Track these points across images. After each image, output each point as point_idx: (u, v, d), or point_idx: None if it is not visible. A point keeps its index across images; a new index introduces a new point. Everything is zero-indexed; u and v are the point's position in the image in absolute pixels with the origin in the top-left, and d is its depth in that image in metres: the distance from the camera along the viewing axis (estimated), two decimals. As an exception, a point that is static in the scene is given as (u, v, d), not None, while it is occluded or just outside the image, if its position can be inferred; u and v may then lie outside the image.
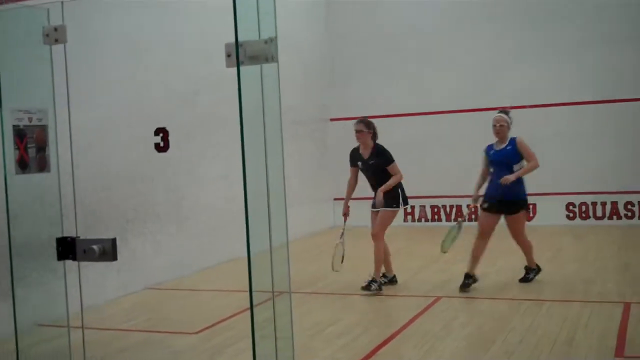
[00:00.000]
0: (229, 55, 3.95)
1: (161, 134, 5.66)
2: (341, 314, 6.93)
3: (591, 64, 11.83)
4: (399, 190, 8.12)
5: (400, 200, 8.14)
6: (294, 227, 12.18)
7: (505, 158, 7.74)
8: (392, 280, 8.20)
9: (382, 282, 7.87)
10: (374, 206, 8.19)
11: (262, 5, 4.29)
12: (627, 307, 6.60)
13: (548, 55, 12.12)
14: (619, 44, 11.60)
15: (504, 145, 7.80)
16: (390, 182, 7.99)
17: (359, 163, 8.25)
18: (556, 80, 12.05)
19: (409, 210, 13.09)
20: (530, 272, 7.99)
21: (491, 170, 7.88)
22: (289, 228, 10.44)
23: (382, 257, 7.95)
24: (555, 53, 12.07)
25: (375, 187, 8.14)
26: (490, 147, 7.95)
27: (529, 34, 12.24)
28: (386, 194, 7.94)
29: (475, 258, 7.80)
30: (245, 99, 4.00)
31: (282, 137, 4.28)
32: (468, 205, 8.68)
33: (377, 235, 8.04)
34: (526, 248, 7.98)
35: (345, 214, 8.55)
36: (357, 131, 8.15)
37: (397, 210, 8.15)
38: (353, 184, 8.52)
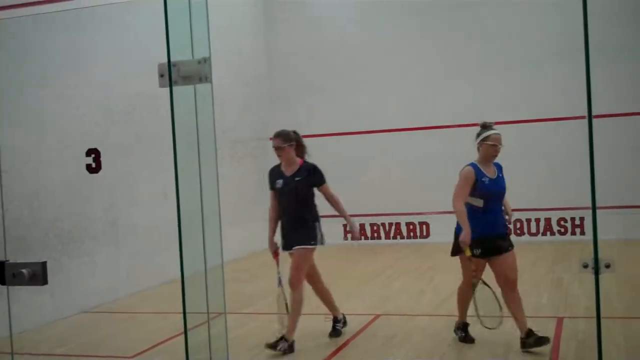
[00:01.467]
0: (162, 76, 3.92)
1: (93, 155, 5.59)
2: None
3: (526, 81, 12.12)
4: (317, 224, 6.91)
5: (319, 236, 6.86)
6: (234, 247, 12.21)
7: (503, 189, 6.23)
8: (344, 322, 6.93)
9: (340, 326, 6.79)
10: (287, 246, 6.79)
11: (196, 25, 4.27)
12: (560, 321, 6.76)
13: (482, 73, 12.37)
14: (549, 62, 11.92)
15: (497, 173, 6.24)
16: (343, 210, 7.10)
17: (279, 182, 6.88)
18: (491, 98, 12.30)
19: (348, 228, 13.13)
20: None
21: (480, 204, 6.09)
22: (229, 248, 10.39)
23: (300, 309, 6.45)
24: (489, 71, 12.33)
25: (289, 214, 6.80)
26: (480, 173, 6.10)
27: (462, 52, 12.48)
28: (301, 228, 6.69)
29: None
30: (179, 119, 3.97)
31: (217, 157, 4.26)
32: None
33: (297, 284, 6.52)
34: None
35: (276, 254, 6.97)
36: (276, 148, 6.77)
37: (315, 249, 6.83)
38: (274, 215, 7.09)
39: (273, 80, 13.61)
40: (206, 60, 3.86)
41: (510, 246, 6.06)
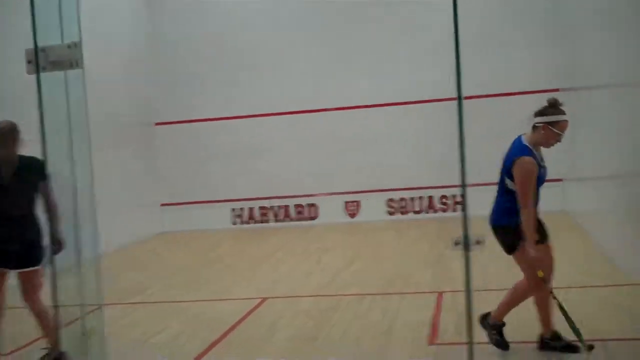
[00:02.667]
0: (29, 62, 3.75)
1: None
2: (167, 322, 6.80)
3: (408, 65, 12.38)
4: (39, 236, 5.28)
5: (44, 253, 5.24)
6: (121, 235, 11.89)
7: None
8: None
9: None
10: (11, 265, 5.31)
11: (65, 9, 4.11)
12: (439, 296, 7.00)
13: (364, 60, 12.54)
14: (415, 51, 12.20)
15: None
16: None
17: None
18: (379, 83, 12.50)
19: (237, 212, 13.13)
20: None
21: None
22: (116, 236, 10.05)
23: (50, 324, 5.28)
24: (375, 58, 12.51)
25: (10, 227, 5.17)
26: (536, 159, 4.98)
27: (348, 40, 12.60)
28: (27, 244, 5.23)
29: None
30: (48, 107, 3.81)
31: (91, 144, 4.13)
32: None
33: (35, 301, 5.37)
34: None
35: None
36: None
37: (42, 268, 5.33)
38: None
39: (158, 63, 13.30)
40: (77, 45, 3.72)
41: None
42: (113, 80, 11.92)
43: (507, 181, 5.01)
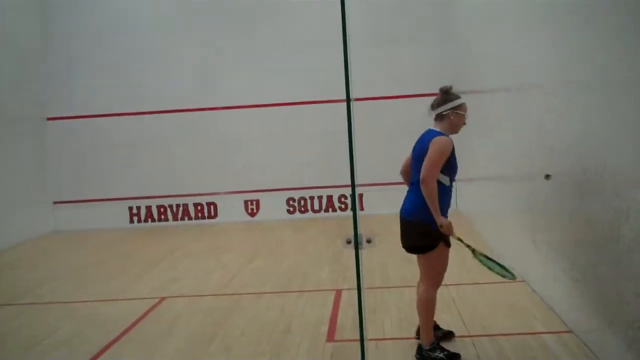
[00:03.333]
0: None
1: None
2: (59, 324, 6.59)
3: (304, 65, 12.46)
4: None
5: None
6: (11, 233, 11.48)
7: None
8: None
9: None
10: None
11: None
12: (338, 293, 7.09)
13: (257, 59, 12.54)
14: (311, 48, 12.31)
15: None
16: None
17: None
18: (264, 83, 12.52)
19: (134, 211, 12.85)
20: None
21: (447, 182, 4.99)
22: (4, 234, 9.74)
23: None
24: (268, 56, 12.53)
25: None
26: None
27: (239, 39, 12.58)
28: None
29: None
30: None
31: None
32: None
33: None
34: None
35: None
36: None
37: None
38: None
39: (51, 56, 12.84)
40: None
41: None
42: (3, 74, 11.46)
43: None
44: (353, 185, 3.48)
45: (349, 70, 3.24)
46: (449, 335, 5.45)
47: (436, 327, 5.36)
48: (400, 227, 5.10)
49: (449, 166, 4.92)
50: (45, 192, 12.81)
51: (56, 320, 6.74)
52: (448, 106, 5.03)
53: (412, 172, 5.14)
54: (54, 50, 12.84)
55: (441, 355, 5.00)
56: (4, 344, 5.90)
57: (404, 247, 5.14)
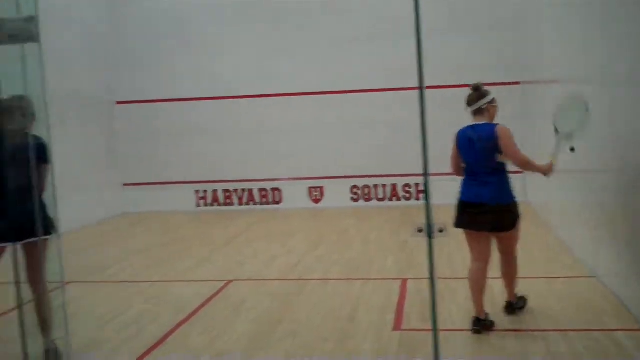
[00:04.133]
0: (-16, 34, 3.64)
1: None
2: (130, 303, 6.75)
3: (371, 55, 12.38)
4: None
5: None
6: (82, 214, 11.72)
7: None
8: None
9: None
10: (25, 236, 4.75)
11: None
12: (404, 282, 7.05)
13: (328, 44, 12.52)
14: (381, 38, 12.21)
15: None
16: None
17: None
18: (346, 69, 12.49)
19: (201, 194, 13.04)
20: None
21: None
22: (76, 215, 9.91)
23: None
24: (336, 43, 12.49)
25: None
26: None
27: (309, 23, 12.56)
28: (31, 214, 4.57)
29: None
30: (5, 81, 3.72)
31: (49, 120, 4.05)
32: None
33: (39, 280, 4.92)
34: None
35: None
36: None
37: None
38: None
39: (121, 43, 13.10)
40: (34, 19, 3.63)
41: None
42: (74, 58, 11.74)
43: (497, 156, 5.38)
44: (426, 174, 3.43)
45: (422, 59, 3.19)
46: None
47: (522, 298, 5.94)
48: (486, 212, 5.41)
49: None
50: (114, 175, 13.12)
51: (126, 299, 6.90)
52: (486, 100, 5.52)
53: (478, 163, 5.45)
54: (123, 35, 13.10)
55: (523, 304, 5.87)
56: (77, 321, 6.06)
57: (491, 229, 5.47)
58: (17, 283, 3.97)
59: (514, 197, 5.50)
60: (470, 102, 5.55)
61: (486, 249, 5.52)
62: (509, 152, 5.34)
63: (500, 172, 5.45)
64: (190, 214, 12.70)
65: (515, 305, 5.84)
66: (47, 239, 4.83)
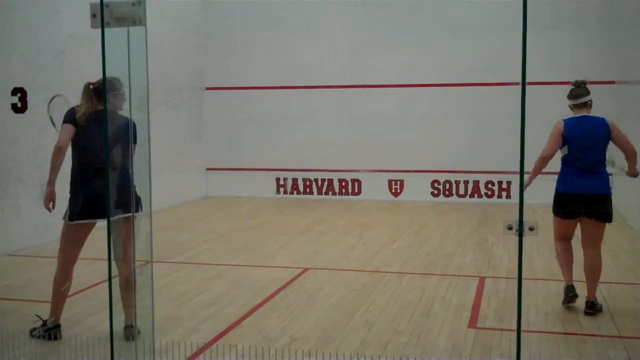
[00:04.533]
0: (94, 16, 3.78)
1: (19, 94, 5.39)
2: (209, 284, 6.91)
3: (461, 46, 12.21)
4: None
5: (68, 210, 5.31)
6: (166, 196, 12.04)
7: None
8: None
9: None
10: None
11: (130, -34, 4.12)
12: (482, 281, 6.96)
13: (419, 37, 12.42)
14: (474, 31, 12.02)
15: None
16: None
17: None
18: (425, 62, 12.39)
19: (281, 182, 13.20)
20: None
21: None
22: (161, 196, 10.19)
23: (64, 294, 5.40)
24: (426, 35, 12.39)
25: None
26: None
27: (407, 15, 12.48)
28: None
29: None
30: (110, 62, 3.85)
31: (149, 103, 4.17)
32: None
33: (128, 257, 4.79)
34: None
35: None
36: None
37: (67, 224, 5.32)
38: None
39: (211, 29, 13.38)
40: (140, 3, 3.74)
41: None
42: (168, 41, 12.03)
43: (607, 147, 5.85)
44: (522, 172, 3.38)
45: (526, 55, 3.13)
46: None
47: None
48: (596, 202, 5.76)
49: None
50: (199, 159, 13.42)
51: (206, 281, 7.07)
52: (590, 96, 5.88)
53: (590, 156, 5.78)
54: (214, 23, 13.35)
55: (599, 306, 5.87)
56: (159, 297, 6.24)
57: (602, 219, 5.82)
58: (109, 259, 4.11)
59: (610, 191, 5.90)
60: (577, 95, 5.86)
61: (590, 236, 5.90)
62: (623, 142, 5.75)
63: (605, 164, 5.85)
64: (270, 201, 12.87)
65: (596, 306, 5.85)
66: (133, 217, 5.01)
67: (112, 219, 4.93)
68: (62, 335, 5.33)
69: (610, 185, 5.91)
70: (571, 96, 5.89)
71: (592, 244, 5.88)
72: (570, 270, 5.96)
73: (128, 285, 4.91)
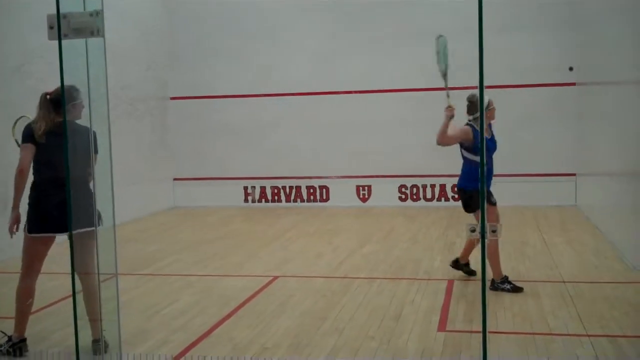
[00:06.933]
0: (51, 27, 3.74)
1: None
2: (177, 295, 6.85)
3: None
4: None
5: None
6: (133, 207, 11.91)
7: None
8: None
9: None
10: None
11: (87, -24, 4.08)
12: (450, 284, 7.00)
13: (383, 45, 12.48)
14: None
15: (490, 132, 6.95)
16: None
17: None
18: (385, 69, 12.45)
19: (249, 190, 13.15)
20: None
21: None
22: (127, 208, 10.10)
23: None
24: (385, 45, 12.46)
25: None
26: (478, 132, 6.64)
27: (376, 19, 12.53)
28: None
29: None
30: (69, 73, 3.81)
31: (109, 114, 4.13)
32: None
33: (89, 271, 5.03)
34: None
35: None
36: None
37: (26, 237, 5.25)
38: None
39: (175, 38, 13.31)
40: (98, 13, 3.70)
41: None
42: (131, 52, 11.94)
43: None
44: (482, 175, 3.42)
45: (483, 58, 3.17)
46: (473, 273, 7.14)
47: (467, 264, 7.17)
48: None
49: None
50: (165, 169, 13.32)
51: (175, 292, 7.01)
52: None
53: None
54: (178, 32, 13.28)
55: (509, 287, 6.58)
56: (127, 310, 6.18)
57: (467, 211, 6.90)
58: (72, 273, 4.05)
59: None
60: (475, 109, 6.80)
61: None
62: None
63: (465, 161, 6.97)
64: (238, 210, 12.82)
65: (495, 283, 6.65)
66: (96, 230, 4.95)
67: (73, 232, 4.88)
68: (28, 349, 5.25)
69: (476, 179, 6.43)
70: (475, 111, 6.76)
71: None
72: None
73: (92, 299, 4.85)
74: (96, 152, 4.64)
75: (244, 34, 12.97)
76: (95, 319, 4.94)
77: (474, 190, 6.63)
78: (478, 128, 6.53)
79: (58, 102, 5.11)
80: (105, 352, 4.46)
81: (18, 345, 5.21)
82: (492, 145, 6.79)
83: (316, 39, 12.76)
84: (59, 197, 5.00)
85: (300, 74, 12.80)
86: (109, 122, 4.26)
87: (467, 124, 6.79)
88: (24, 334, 5.28)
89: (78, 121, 5.05)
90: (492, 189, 6.70)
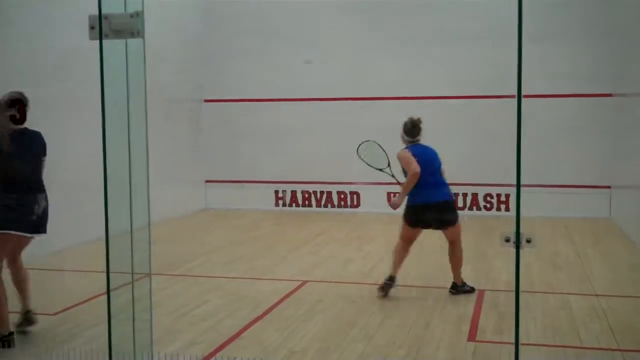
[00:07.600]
0: (92, 28, 3.79)
1: (17, 106, 5.44)
2: (207, 297, 6.89)
3: (457, 58, 12.23)
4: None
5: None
6: (165, 208, 12.00)
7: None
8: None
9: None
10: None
11: (129, -23, 4.13)
12: (481, 293, 6.95)
13: (419, 47, 12.44)
14: (476, 41, 12.04)
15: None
16: None
17: None
18: (422, 74, 12.40)
19: (280, 194, 13.19)
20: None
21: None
22: (159, 209, 10.21)
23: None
24: (424, 46, 12.40)
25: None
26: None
27: (405, 25, 12.50)
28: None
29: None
30: (108, 74, 3.86)
31: (147, 115, 4.17)
32: None
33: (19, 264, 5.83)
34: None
35: None
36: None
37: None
38: None
39: (210, 40, 13.40)
40: (139, 14, 3.75)
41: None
42: (167, 54, 12.05)
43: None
44: (518, 185, 3.39)
45: (521, 67, 3.14)
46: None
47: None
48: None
49: None
50: (198, 171, 13.41)
51: (204, 293, 7.05)
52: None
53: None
54: (213, 34, 13.37)
55: (468, 287, 7.03)
56: (157, 310, 6.22)
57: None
58: (107, 272, 4.11)
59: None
60: (416, 133, 7.83)
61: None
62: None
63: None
64: (268, 213, 12.86)
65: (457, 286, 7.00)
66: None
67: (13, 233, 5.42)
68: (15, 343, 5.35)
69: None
70: (413, 134, 7.85)
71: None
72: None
73: (22, 286, 5.72)
74: (45, 154, 5.52)
75: (278, 37, 13.00)
76: (25, 297, 5.73)
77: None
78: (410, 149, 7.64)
79: (7, 107, 5.48)
80: (136, 351, 4.50)
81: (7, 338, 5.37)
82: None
83: (350, 42, 12.75)
84: (20, 197, 5.40)
85: (334, 78, 12.79)
86: (147, 123, 4.31)
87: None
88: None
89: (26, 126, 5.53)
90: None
